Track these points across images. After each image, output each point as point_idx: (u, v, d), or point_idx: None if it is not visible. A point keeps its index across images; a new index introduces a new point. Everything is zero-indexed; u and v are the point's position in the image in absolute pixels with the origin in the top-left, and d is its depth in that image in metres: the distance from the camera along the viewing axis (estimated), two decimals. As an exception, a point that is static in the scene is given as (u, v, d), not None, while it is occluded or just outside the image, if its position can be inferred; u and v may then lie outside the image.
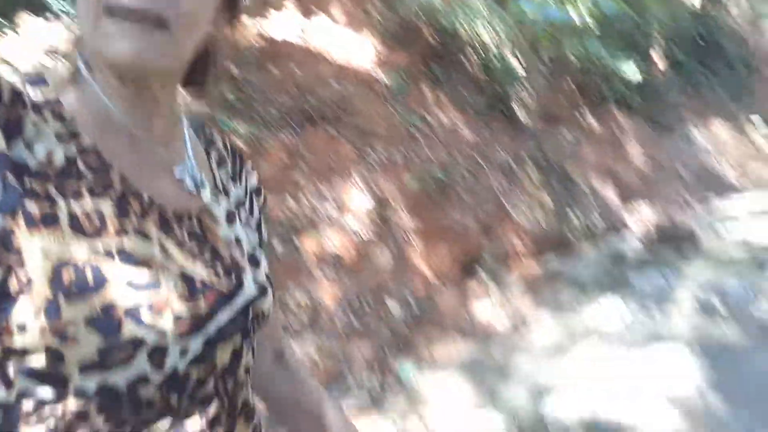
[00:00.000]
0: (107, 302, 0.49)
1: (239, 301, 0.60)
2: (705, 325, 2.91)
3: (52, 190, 0.51)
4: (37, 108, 0.53)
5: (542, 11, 5.42)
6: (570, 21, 5.49)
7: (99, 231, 0.52)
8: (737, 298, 3.08)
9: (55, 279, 0.48)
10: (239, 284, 0.61)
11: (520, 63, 5.45)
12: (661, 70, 6.88)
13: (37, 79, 0.56)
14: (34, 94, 0.55)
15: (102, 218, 0.52)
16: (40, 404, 0.51)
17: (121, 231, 0.53)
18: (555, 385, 2.53)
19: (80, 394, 0.51)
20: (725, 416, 2.21)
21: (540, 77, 5.46)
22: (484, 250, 3.60)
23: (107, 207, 0.53)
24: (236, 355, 0.61)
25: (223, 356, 0.59)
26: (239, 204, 0.70)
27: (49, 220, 0.49)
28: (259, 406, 0.70)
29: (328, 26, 4.12)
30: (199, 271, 0.57)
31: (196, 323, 0.55)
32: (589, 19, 5.85)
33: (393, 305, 2.97)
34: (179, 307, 0.53)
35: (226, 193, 0.68)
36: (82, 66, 0.58)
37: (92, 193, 0.53)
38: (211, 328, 0.56)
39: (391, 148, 3.63)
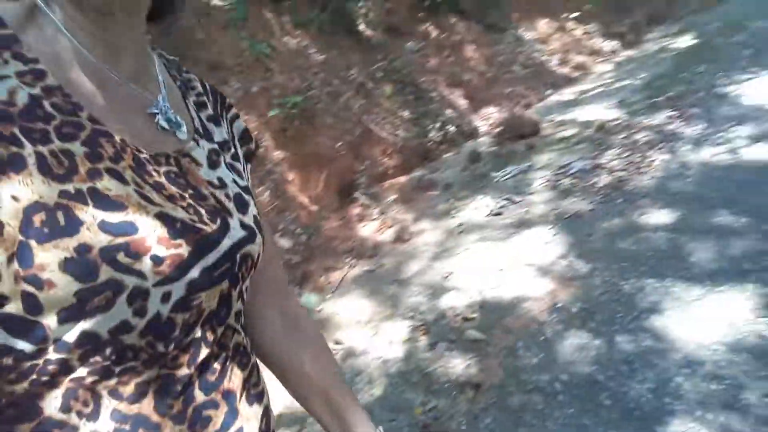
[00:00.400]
0: (81, 245, 0.48)
1: (225, 244, 0.58)
2: (558, 201, 3.44)
3: (17, 132, 0.49)
4: None
5: None
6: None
7: (69, 173, 0.50)
8: (580, 174, 3.67)
9: (25, 223, 0.47)
10: (225, 227, 0.59)
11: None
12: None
13: None
14: None
15: (72, 159, 0.51)
16: (20, 359, 0.50)
17: (93, 172, 0.52)
18: (446, 280, 2.88)
19: (61, 344, 0.50)
20: (585, 271, 2.72)
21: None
22: (357, 171, 3.79)
23: (77, 149, 0.52)
24: (224, 301, 0.60)
25: (209, 302, 0.58)
26: (223, 145, 0.68)
27: (16, 163, 0.48)
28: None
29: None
30: (180, 213, 0.56)
31: (178, 266, 0.54)
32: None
33: (282, 242, 3.07)
34: (159, 249, 0.52)
35: (208, 136, 0.67)
36: (42, 5, 0.55)
37: (60, 134, 0.51)
38: (195, 272, 0.55)
39: (246, 80, 3.57)
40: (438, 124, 4.63)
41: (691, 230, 2.83)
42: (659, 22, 7.64)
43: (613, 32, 7.10)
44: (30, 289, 0.48)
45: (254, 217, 0.65)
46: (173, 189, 0.57)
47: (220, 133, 0.69)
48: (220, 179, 0.63)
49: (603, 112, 4.70)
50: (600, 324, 2.36)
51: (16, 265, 0.47)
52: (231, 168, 0.67)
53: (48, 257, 0.47)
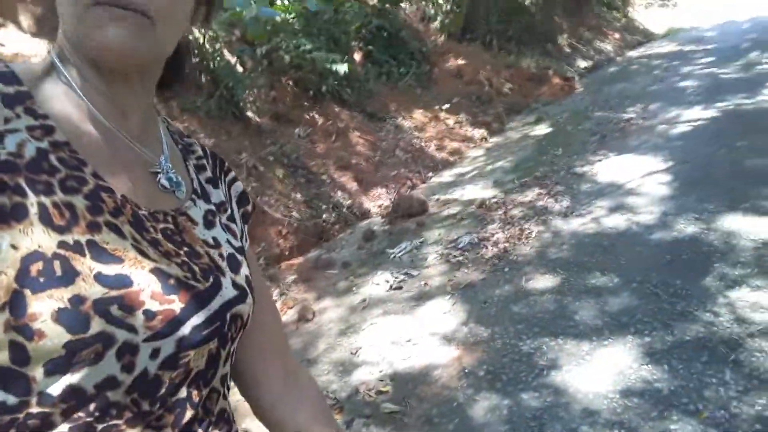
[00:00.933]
0: (76, 296, 0.49)
1: (216, 302, 0.60)
2: (452, 272, 3.64)
3: (22, 183, 0.51)
4: (8, 102, 0.54)
5: (251, 9, 5.71)
6: (276, 17, 5.91)
7: (69, 224, 0.52)
8: (469, 247, 3.93)
9: (22, 272, 0.48)
10: (217, 285, 0.61)
11: (241, 63, 5.69)
12: (359, 63, 7.95)
13: (9, 75, 0.56)
14: (5, 89, 0.55)
15: (73, 211, 0.52)
16: (1, 412, 0.49)
17: (93, 225, 0.53)
18: (355, 356, 2.89)
19: (44, 398, 0.49)
20: (486, 336, 2.87)
21: (261, 77, 5.79)
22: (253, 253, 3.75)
23: (79, 202, 0.53)
24: (212, 361, 0.60)
25: (198, 361, 0.58)
26: (220, 207, 0.71)
27: (18, 213, 0.49)
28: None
29: (19, 38, 3.67)
30: (175, 269, 0.57)
31: (169, 323, 0.54)
32: (293, 17, 6.43)
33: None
34: (152, 304, 0.53)
35: (206, 197, 0.69)
36: (56, 60, 0.59)
37: (64, 187, 0.53)
38: (185, 329, 0.56)
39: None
40: (331, 206, 4.77)
41: (573, 292, 3.13)
42: (517, 112, 8.63)
43: (479, 122, 7.88)
44: (19, 339, 0.48)
45: (246, 277, 0.67)
46: (169, 246, 0.59)
47: (217, 195, 0.72)
48: (214, 239, 0.66)
49: (481, 191, 5.14)
50: (506, 384, 2.49)
51: (7, 314, 0.47)
52: (226, 229, 0.69)
53: (41, 307, 0.48)
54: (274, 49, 6.05)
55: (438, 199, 5.11)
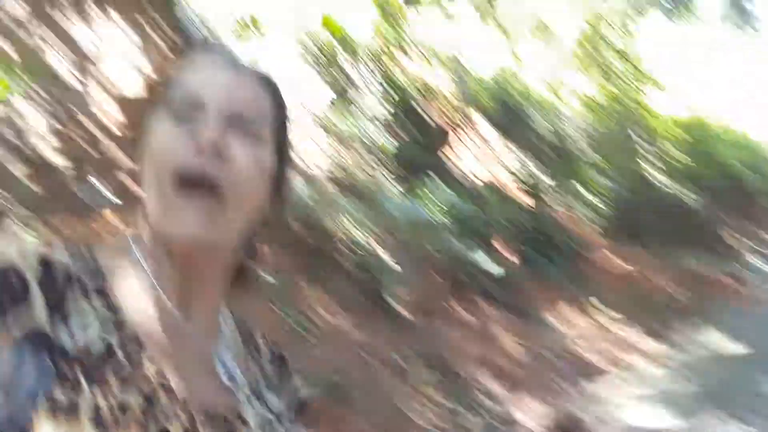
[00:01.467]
0: None
1: None
2: None
3: (82, 378, 0.52)
4: (85, 293, 0.56)
5: (404, 210, 6.12)
6: (429, 219, 6.24)
7: (119, 426, 0.52)
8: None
9: None
10: None
11: (392, 259, 5.92)
12: (509, 261, 7.92)
13: (90, 263, 0.59)
14: (85, 279, 0.57)
15: (125, 414, 0.53)
16: None
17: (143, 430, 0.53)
18: None
19: None
20: None
21: (411, 272, 5.93)
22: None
23: (135, 401, 0.54)
24: None
25: None
26: (277, 416, 0.69)
27: (70, 409, 0.50)
28: None
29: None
30: None
31: None
32: (445, 218, 6.72)
33: None
34: None
35: (262, 399, 0.69)
36: (133, 245, 0.62)
37: (123, 384, 0.54)
38: None
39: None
40: (476, 413, 4.40)
41: None
42: (688, 318, 7.78)
43: (643, 327, 7.18)
44: None
45: None
46: None
47: (273, 400, 0.71)
48: None
49: (654, 416, 4.45)
50: None
51: None
52: None
53: None
54: (424, 245, 6.27)
55: (598, 417, 4.50)
